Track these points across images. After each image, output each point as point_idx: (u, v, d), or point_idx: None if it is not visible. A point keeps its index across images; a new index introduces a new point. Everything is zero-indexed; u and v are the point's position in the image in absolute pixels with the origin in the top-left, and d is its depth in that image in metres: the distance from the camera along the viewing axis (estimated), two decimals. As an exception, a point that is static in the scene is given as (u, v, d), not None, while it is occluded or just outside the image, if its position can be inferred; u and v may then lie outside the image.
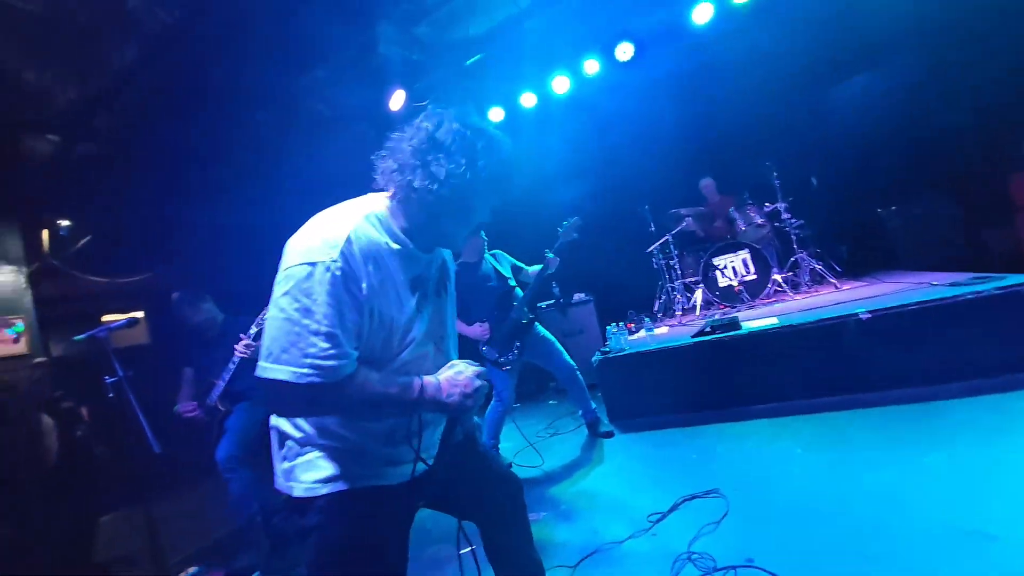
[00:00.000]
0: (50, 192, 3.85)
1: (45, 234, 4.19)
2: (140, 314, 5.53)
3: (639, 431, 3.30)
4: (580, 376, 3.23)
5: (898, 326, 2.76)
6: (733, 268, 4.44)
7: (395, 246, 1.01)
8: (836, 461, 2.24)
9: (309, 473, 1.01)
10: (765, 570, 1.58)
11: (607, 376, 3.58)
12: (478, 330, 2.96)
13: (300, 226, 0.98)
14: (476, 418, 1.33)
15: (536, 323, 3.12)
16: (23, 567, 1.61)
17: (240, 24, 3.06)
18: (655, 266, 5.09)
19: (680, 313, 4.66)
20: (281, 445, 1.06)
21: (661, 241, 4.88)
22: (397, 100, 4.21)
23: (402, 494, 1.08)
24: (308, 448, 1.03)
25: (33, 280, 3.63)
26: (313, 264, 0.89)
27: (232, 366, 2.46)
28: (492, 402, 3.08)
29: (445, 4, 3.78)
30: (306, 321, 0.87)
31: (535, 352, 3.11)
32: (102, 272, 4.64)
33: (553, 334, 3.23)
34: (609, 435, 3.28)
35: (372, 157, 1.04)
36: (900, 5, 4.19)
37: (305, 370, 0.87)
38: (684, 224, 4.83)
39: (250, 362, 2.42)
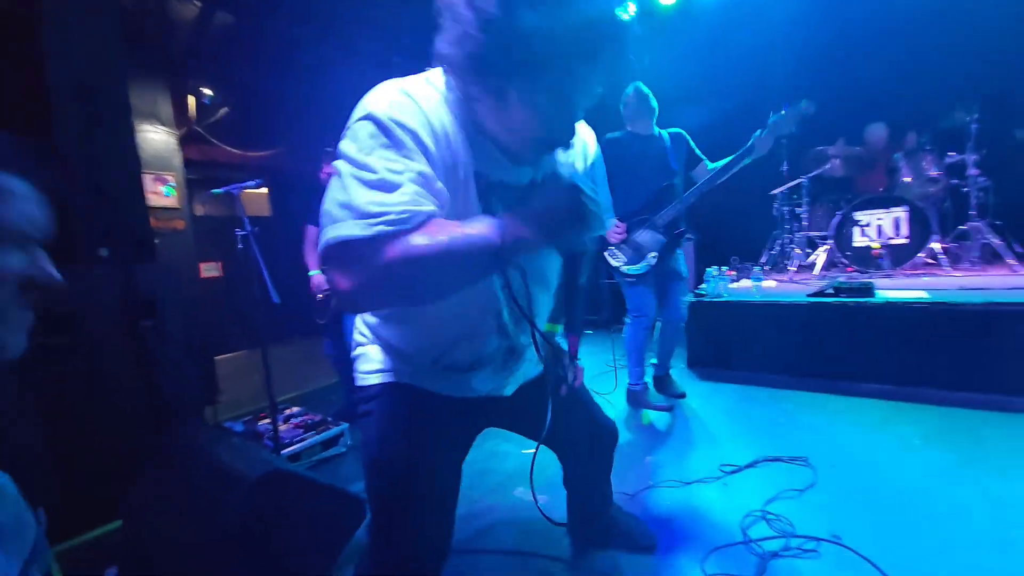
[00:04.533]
0: (194, 59, 4.15)
1: (191, 101, 4.62)
2: (264, 190, 6.16)
3: (720, 382, 3.11)
4: (683, 329, 2.85)
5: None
6: (879, 227, 3.74)
7: (474, 143, 0.80)
8: (964, 461, 1.93)
9: (366, 364, 1.04)
10: (855, 551, 1.44)
11: (697, 320, 3.33)
12: (612, 230, 2.47)
13: None
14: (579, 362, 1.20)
15: (683, 239, 2.61)
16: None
17: None
18: (775, 212, 4.46)
19: (793, 270, 4.13)
20: (353, 340, 1.10)
21: (793, 183, 4.21)
22: None
23: (463, 408, 1.04)
24: (369, 342, 1.05)
25: (182, 143, 4.07)
26: (373, 118, 0.73)
27: None
28: (627, 320, 2.71)
29: None
30: (358, 173, 0.70)
31: (661, 279, 2.64)
32: (236, 143, 5.11)
33: None
34: (681, 396, 2.86)
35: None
36: None
37: (362, 220, 0.67)
38: (828, 166, 4.07)
39: None
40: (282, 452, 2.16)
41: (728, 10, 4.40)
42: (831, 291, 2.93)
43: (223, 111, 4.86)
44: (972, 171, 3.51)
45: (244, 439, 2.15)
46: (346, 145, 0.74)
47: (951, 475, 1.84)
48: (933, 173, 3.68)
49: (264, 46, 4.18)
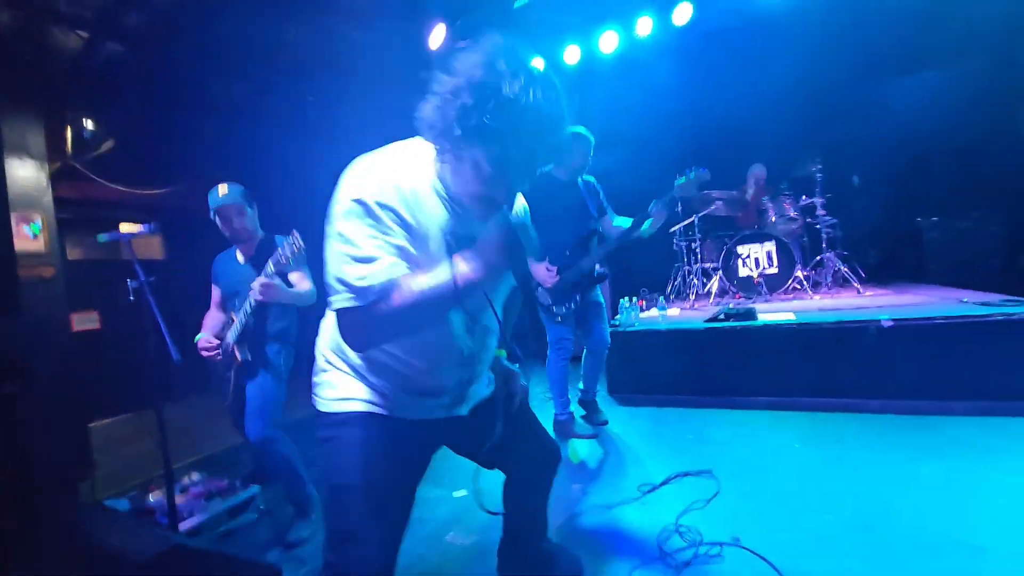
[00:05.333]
0: (76, 91, 3.77)
1: (68, 133, 4.15)
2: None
3: (636, 406, 3.34)
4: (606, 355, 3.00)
5: (919, 338, 2.71)
6: (756, 259, 4.35)
7: (442, 206, 0.96)
8: (831, 459, 2.26)
9: (330, 390, 1.10)
10: (750, 550, 1.62)
11: (614, 349, 3.55)
12: (543, 272, 2.56)
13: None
14: (524, 381, 1.33)
15: (603, 281, 2.81)
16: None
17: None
18: (675, 247, 4.99)
19: (693, 297, 4.61)
20: (316, 360, 1.16)
21: (686, 222, 4.77)
22: (437, 37, 4.01)
23: (423, 429, 1.12)
24: (332, 368, 1.11)
25: (54, 179, 3.61)
26: (359, 201, 0.89)
27: (250, 306, 2.00)
28: (549, 353, 2.81)
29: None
30: (347, 249, 0.89)
31: (583, 311, 2.78)
32: (122, 180, 4.63)
33: None
34: (604, 423, 3.00)
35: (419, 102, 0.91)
36: (973, 7, 3.86)
37: (352, 295, 0.89)
38: (713, 207, 4.69)
39: (267, 307, 2.10)
40: (180, 527, 1.92)
41: (624, 69, 4.97)
42: (722, 316, 3.33)
43: (107, 144, 4.41)
44: (820, 211, 4.26)
45: (131, 517, 1.89)
46: (338, 222, 0.90)
47: (822, 472, 2.16)
48: (792, 214, 4.40)
49: (163, 79, 3.92)
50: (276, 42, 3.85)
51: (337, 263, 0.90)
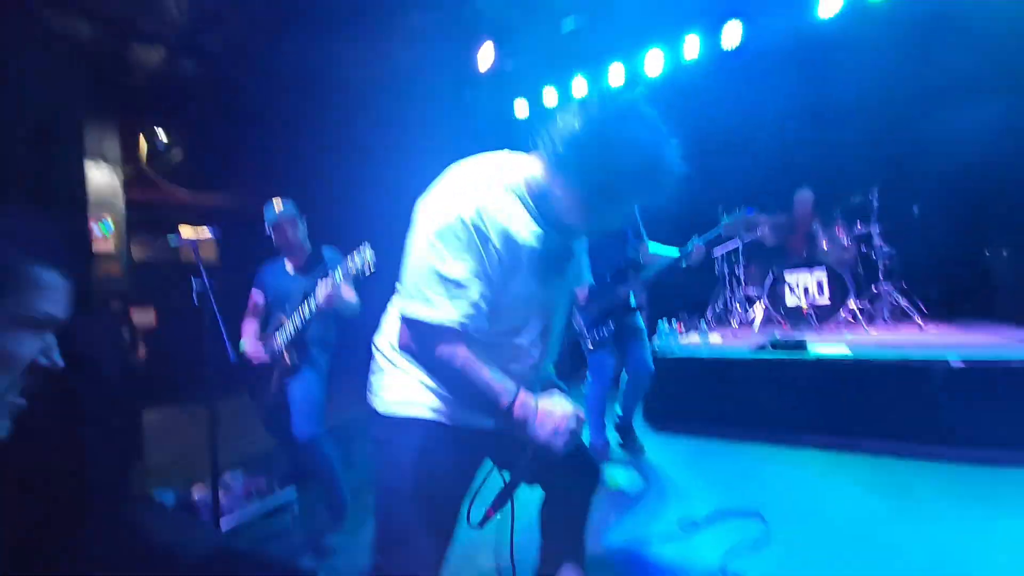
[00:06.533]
0: (151, 102, 4.06)
1: (142, 141, 4.47)
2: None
3: (675, 433, 3.21)
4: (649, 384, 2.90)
5: (991, 381, 2.50)
6: (805, 288, 4.15)
7: (532, 226, 1.00)
8: (896, 510, 2.09)
9: (390, 392, 1.11)
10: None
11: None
12: (577, 293, 2.54)
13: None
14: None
15: (640, 311, 2.81)
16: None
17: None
18: (716, 272, 4.84)
19: (736, 326, 4.44)
20: (373, 358, 1.18)
21: (731, 247, 4.62)
22: (486, 57, 4.11)
23: (474, 439, 1.12)
24: (393, 368, 1.12)
25: (127, 183, 3.87)
26: (454, 214, 0.92)
27: (308, 312, 2.07)
28: (588, 378, 2.77)
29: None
30: (436, 263, 0.92)
31: (621, 336, 2.74)
32: (186, 186, 4.93)
33: None
34: (640, 450, 2.91)
35: (540, 127, 0.97)
36: None
37: (434, 309, 0.92)
38: (759, 233, 4.53)
39: (325, 315, 2.15)
40: (221, 526, 1.96)
41: (671, 91, 4.94)
42: (770, 346, 3.18)
43: (177, 153, 4.72)
44: (877, 241, 4.03)
45: (177, 511, 1.95)
46: (433, 230, 0.92)
47: (884, 524, 1.98)
48: (845, 243, 4.18)
49: (228, 95, 4.19)
50: (332, 61, 4.05)
51: (422, 271, 0.93)
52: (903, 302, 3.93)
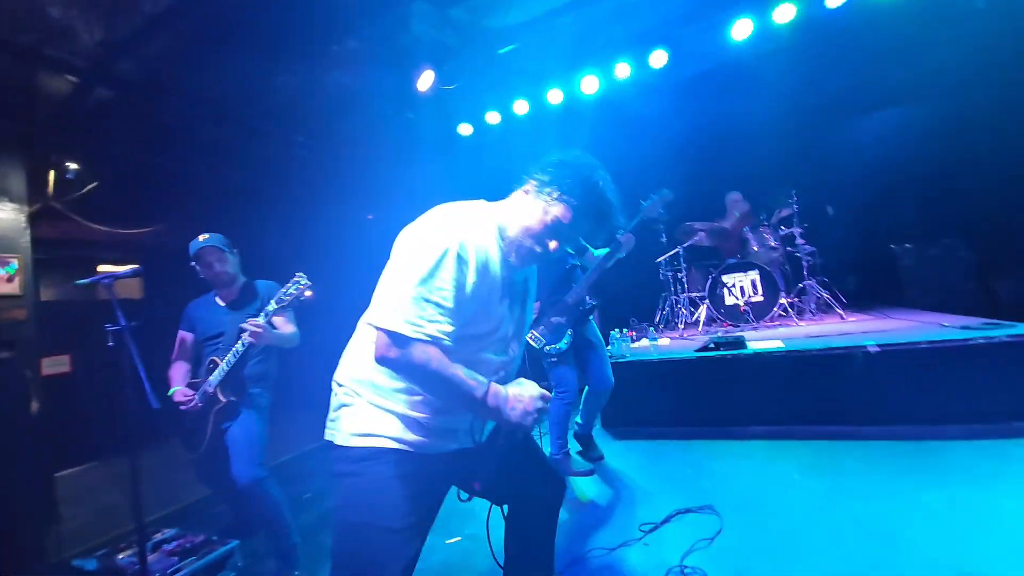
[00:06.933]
0: (61, 134, 3.77)
1: (51, 176, 4.11)
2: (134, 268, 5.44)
3: (632, 439, 3.27)
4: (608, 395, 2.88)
5: (906, 363, 2.74)
6: (741, 287, 4.42)
7: (500, 257, 1.14)
8: (833, 489, 2.22)
9: (354, 424, 1.11)
10: (761, 592, 1.55)
11: (606, 381, 3.54)
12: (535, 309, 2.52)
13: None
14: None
15: (592, 315, 2.81)
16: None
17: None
18: (661, 277, 5.06)
19: (682, 327, 4.64)
20: (335, 393, 1.19)
21: (671, 253, 4.85)
22: (425, 81, 4.15)
23: (439, 465, 1.14)
24: (359, 400, 1.13)
25: (33, 221, 3.54)
26: (441, 245, 1.02)
27: (240, 349, 1.97)
28: (551, 396, 2.75)
29: (484, -12, 3.73)
30: (423, 288, 1.01)
31: (579, 350, 2.77)
32: (104, 221, 4.56)
33: None
34: (600, 458, 2.95)
35: (529, 173, 1.19)
36: (937, 46, 4.16)
37: (416, 326, 0.99)
38: (696, 238, 4.80)
39: (259, 350, 2.08)
40: (150, 589, 1.77)
41: (610, 107, 5.19)
42: (712, 345, 3.33)
43: (91, 186, 4.37)
44: (799, 241, 4.38)
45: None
46: (420, 251, 1.03)
47: (825, 504, 2.11)
48: (772, 243, 4.51)
49: (150, 123, 3.95)
50: (264, 88, 3.94)
51: (406, 291, 1.00)
52: (826, 295, 4.27)
